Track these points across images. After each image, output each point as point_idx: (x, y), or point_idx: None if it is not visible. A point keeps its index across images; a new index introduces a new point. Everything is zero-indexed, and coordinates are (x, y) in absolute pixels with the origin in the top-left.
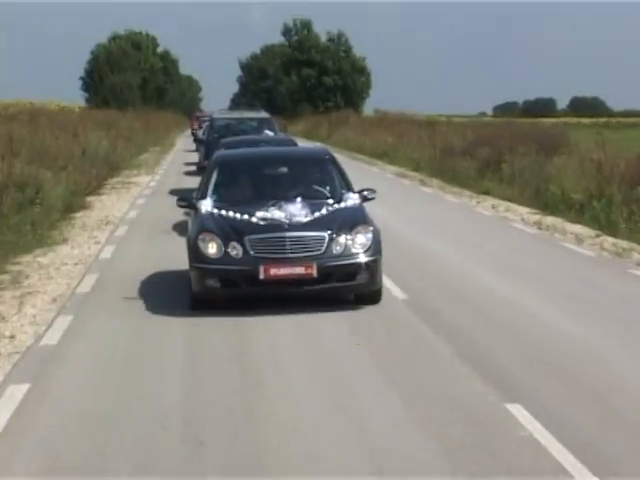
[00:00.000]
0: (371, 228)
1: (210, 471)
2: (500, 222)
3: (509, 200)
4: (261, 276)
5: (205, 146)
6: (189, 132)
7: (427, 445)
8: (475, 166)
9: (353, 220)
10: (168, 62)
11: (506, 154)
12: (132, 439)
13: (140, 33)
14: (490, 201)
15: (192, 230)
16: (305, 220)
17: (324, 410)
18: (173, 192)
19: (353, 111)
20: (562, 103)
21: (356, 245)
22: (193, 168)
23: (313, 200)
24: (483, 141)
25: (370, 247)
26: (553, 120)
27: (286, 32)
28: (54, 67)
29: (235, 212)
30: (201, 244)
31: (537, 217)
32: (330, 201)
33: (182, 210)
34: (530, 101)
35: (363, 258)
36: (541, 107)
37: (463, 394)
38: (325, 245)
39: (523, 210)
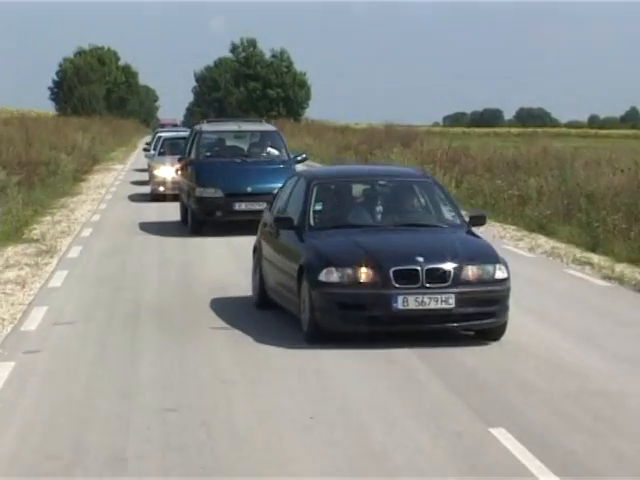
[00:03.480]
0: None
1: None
2: None
3: None
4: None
5: (194, 169)
6: (148, 139)
7: None
8: (354, 156)
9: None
10: (129, 75)
11: (376, 148)
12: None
13: (103, 48)
14: None
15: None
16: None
17: None
18: (137, 170)
19: (293, 120)
20: (509, 114)
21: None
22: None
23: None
24: (366, 140)
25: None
26: (498, 130)
27: (234, 49)
28: (21, 77)
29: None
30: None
31: None
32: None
33: (137, 177)
34: (478, 112)
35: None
36: (489, 117)
37: None
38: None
39: None
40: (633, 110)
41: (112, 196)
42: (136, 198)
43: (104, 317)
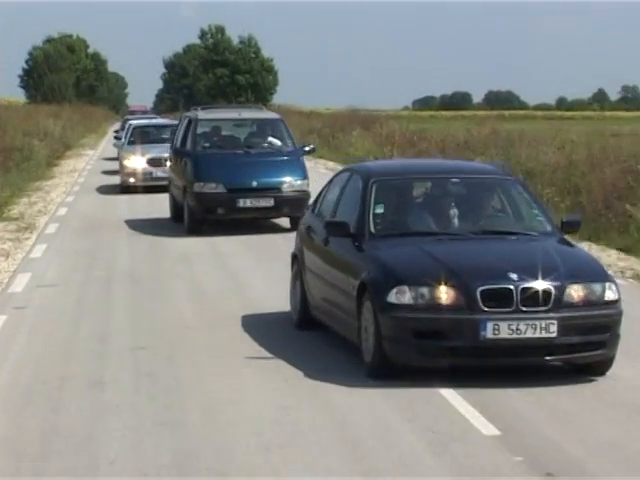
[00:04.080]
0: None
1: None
2: (327, 172)
3: (333, 161)
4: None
5: (192, 162)
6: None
7: None
8: (318, 140)
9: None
10: (98, 62)
11: (338, 132)
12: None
13: (72, 36)
14: (323, 162)
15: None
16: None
17: None
18: (106, 159)
19: (262, 106)
20: (478, 97)
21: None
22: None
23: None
24: (329, 124)
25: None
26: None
27: (202, 36)
28: None
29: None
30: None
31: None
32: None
33: (107, 166)
34: (447, 95)
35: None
36: (458, 101)
37: None
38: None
39: (333, 163)
40: (600, 92)
41: (84, 179)
42: (105, 189)
43: (81, 281)
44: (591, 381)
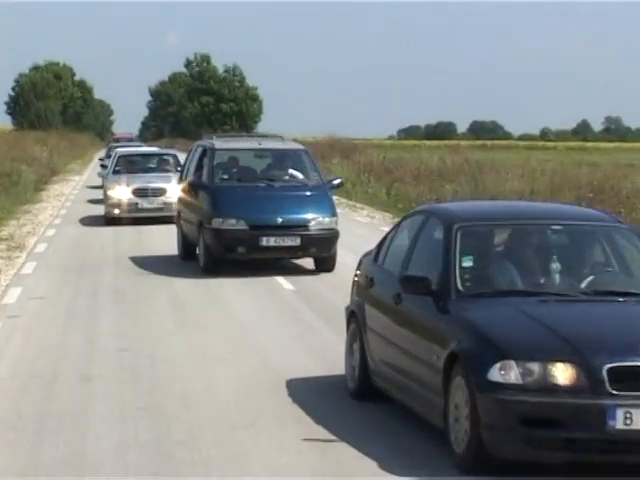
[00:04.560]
0: None
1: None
2: None
3: None
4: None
5: (210, 195)
6: (103, 153)
7: None
8: None
9: None
10: (84, 90)
11: (319, 159)
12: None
13: (58, 64)
14: None
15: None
16: None
17: None
18: (91, 187)
19: (246, 133)
20: (463, 127)
21: None
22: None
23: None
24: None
25: None
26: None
27: (188, 64)
28: None
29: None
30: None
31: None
32: None
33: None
34: (432, 125)
35: None
36: (442, 130)
37: None
38: None
39: None
40: (584, 123)
41: (71, 203)
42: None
43: (70, 294)
44: None
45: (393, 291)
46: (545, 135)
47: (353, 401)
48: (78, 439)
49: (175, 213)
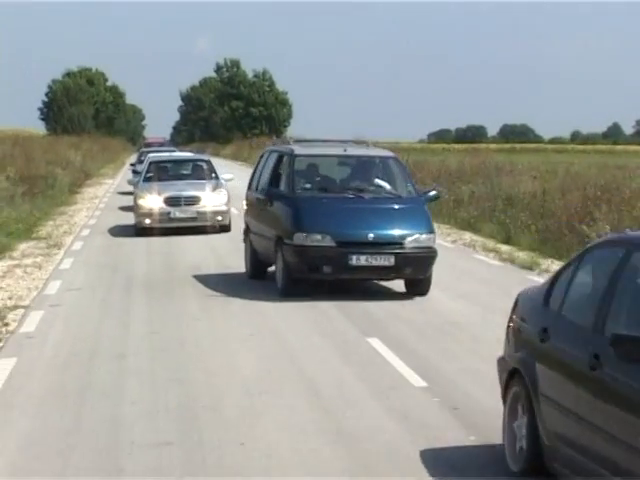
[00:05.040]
0: None
1: None
2: None
3: None
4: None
5: (291, 207)
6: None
7: None
8: None
9: None
10: (117, 95)
11: None
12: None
13: (91, 69)
14: None
15: None
16: None
17: None
18: (122, 193)
19: (276, 137)
20: (493, 130)
21: None
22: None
23: None
24: None
25: None
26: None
27: (218, 69)
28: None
29: None
30: None
31: None
32: None
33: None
34: (462, 128)
35: None
36: (472, 134)
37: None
38: None
39: None
40: (615, 126)
41: (105, 205)
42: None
43: (105, 286)
44: None
45: (587, 352)
46: (575, 138)
47: None
48: (115, 405)
49: (243, 226)
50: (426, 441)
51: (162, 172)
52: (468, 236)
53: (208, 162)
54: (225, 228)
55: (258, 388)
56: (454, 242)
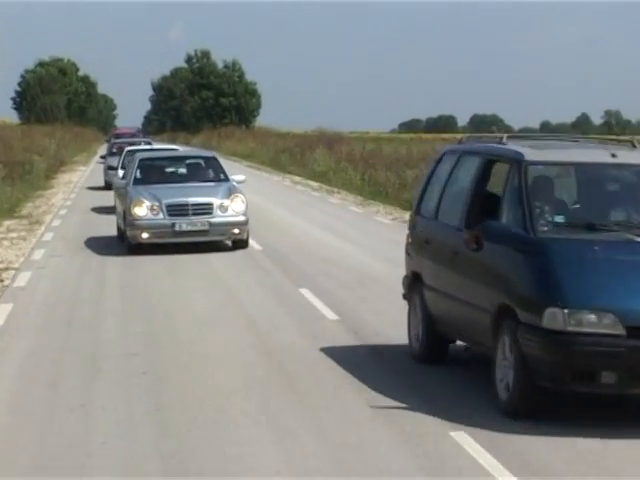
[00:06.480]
0: None
1: None
2: (291, 185)
3: (299, 175)
4: None
5: (533, 260)
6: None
7: None
8: (285, 157)
9: None
10: (88, 85)
11: (307, 150)
12: None
13: (63, 59)
14: (290, 176)
15: None
16: None
17: None
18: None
19: (245, 127)
20: (463, 120)
21: None
22: None
23: None
24: (300, 144)
25: None
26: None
27: (189, 60)
28: None
29: None
30: None
31: (313, 182)
32: None
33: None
34: (432, 118)
35: None
36: (442, 124)
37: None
38: None
39: (299, 177)
40: (583, 116)
41: (79, 189)
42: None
43: (83, 255)
44: None
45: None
46: (544, 128)
47: None
48: (95, 332)
49: (404, 273)
50: (326, 345)
51: (157, 172)
52: (408, 214)
53: (214, 159)
54: (242, 244)
55: (206, 321)
56: (393, 219)
